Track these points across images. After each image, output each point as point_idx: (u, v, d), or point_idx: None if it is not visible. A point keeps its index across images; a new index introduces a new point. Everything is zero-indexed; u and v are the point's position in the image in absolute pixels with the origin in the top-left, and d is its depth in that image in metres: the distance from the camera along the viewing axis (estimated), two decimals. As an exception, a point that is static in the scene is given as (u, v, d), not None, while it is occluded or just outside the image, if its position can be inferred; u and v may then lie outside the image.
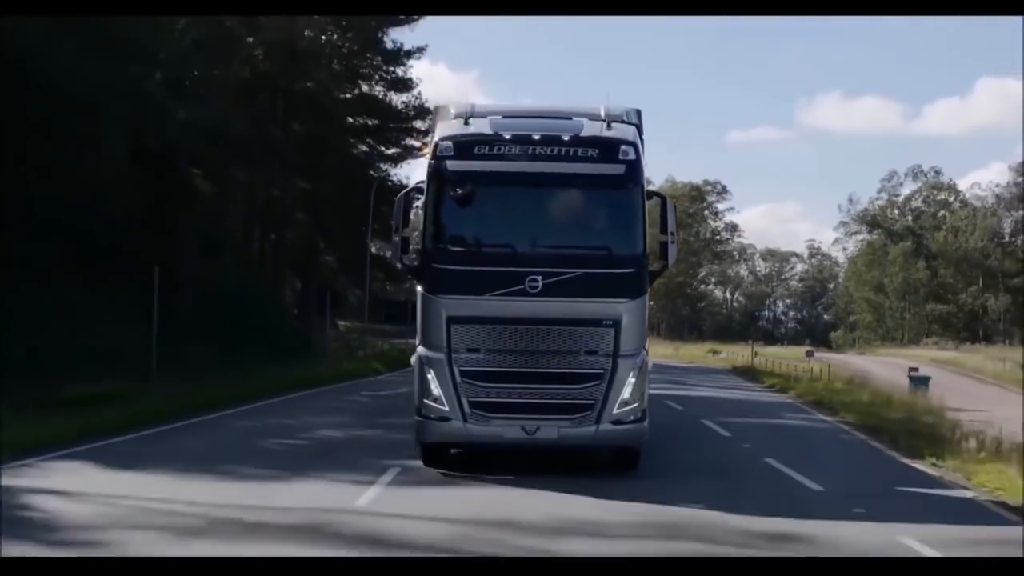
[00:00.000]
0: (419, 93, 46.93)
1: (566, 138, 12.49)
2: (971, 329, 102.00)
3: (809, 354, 49.68)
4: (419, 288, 12.75)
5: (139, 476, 12.13)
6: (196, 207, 30.01)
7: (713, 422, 19.99)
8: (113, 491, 11.01)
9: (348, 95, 47.16)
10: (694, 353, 71.96)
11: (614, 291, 12.33)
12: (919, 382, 32.77)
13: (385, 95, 47.47)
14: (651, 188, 13.45)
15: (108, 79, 23.67)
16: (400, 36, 47.09)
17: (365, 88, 47.81)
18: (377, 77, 47.04)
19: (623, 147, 12.48)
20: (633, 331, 12.38)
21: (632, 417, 12.30)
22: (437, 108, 13.98)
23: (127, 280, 22.80)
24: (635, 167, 12.47)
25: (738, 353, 60.96)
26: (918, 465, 15.10)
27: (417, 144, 45.95)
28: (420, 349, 12.56)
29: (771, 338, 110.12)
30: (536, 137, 12.45)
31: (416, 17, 45.44)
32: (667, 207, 12.82)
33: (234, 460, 13.64)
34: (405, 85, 46.60)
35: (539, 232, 12.65)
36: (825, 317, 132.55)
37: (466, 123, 12.74)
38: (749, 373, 43.91)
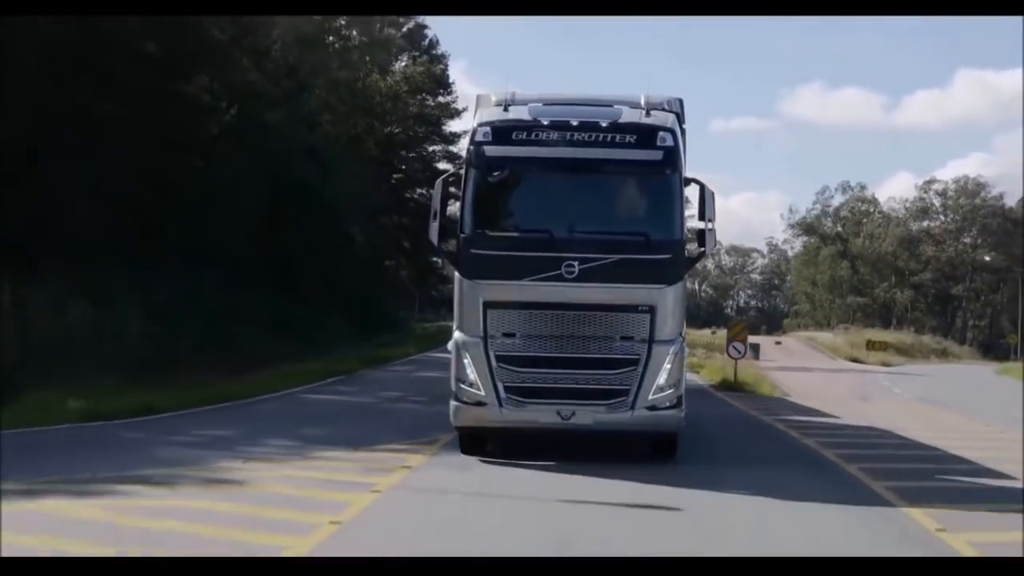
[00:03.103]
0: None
1: (604, 124, 12.38)
2: (884, 317, 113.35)
3: (713, 332, 74.86)
4: (456, 273, 12.80)
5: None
6: (359, 249, 54.80)
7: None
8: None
9: (414, 159, 70.77)
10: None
11: (650, 277, 12.22)
12: (753, 349, 56.83)
13: (438, 160, 70.80)
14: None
15: (332, 183, 47.16)
16: (455, 125, 69.62)
17: (425, 153, 71.30)
18: (436, 151, 70.88)
19: (661, 133, 12.36)
20: (669, 317, 12.29)
21: (668, 403, 12.26)
22: (479, 97, 13.67)
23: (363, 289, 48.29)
24: (673, 153, 12.33)
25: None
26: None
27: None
28: (456, 334, 12.53)
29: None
30: (574, 123, 12.37)
31: (463, 109, 69.02)
32: (705, 194, 12.54)
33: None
34: (457, 158, 69.02)
35: (576, 217, 12.48)
36: (782, 307, 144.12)
37: (505, 110, 12.72)
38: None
